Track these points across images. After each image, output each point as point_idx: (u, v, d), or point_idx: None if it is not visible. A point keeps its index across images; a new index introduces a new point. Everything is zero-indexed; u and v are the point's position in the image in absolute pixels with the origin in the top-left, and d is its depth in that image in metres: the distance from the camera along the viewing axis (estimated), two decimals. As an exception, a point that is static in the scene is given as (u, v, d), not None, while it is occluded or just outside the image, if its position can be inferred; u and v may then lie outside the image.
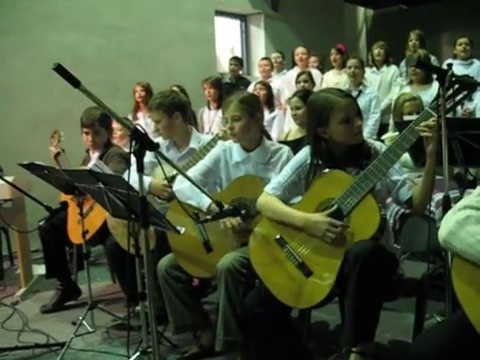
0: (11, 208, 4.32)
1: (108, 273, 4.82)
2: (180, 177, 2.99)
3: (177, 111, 3.43)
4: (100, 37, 6.56)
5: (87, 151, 4.23)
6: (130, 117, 5.86)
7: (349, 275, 2.19)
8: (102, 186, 2.39)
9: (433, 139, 2.27)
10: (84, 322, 3.51)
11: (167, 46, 7.22)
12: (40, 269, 4.79)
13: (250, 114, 2.93)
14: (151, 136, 5.51)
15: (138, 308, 3.15)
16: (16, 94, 5.93)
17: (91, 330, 3.55)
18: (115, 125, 4.99)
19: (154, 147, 1.95)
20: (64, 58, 6.23)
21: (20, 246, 4.52)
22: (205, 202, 2.85)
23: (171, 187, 3.15)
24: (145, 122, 5.65)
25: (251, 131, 2.97)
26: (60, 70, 1.81)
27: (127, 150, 4.37)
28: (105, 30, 6.61)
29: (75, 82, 1.83)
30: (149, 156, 3.36)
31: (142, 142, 1.91)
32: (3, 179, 3.21)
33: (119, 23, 6.76)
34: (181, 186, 2.92)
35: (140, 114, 5.97)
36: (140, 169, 1.96)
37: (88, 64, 6.22)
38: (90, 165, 3.92)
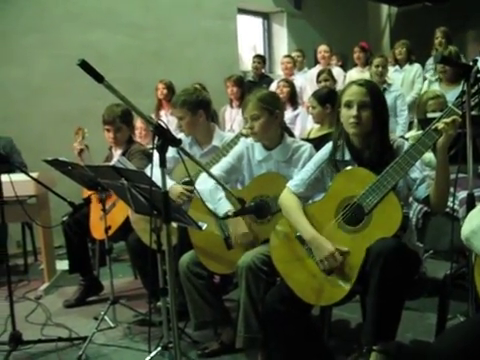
0: (35, 204, 4.38)
1: (130, 269, 4.87)
2: (202, 177, 3.00)
3: (201, 109, 3.43)
4: (122, 35, 6.60)
5: (110, 148, 4.27)
6: (153, 115, 5.89)
7: (371, 273, 2.18)
8: (125, 182, 2.40)
9: (449, 135, 2.23)
10: (106, 317, 3.55)
11: (189, 44, 7.24)
12: (63, 264, 4.84)
13: (269, 112, 2.93)
14: (175, 133, 5.56)
15: (159, 304, 3.18)
16: (39, 92, 6.00)
17: (113, 325, 3.58)
18: (138, 123, 5.04)
19: (177, 143, 1.96)
20: (86, 56, 6.20)
21: (44, 242, 4.57)
22: (221, 209, 2.83)
23: (190, 196, 3.17)
24: (167, 120, 5.66)
25: (271, 129, 2.96)
26: (85, 66, 1.83)
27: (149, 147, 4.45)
28: (127, 28, 6.65)
29: (99, 78, 1.85)
30: (172, 151, 3.37)
31: (165, 138, 1.92)
32: (28, 175, 3.25)
33: (141, 21, 6.79)
34: (201, 188, 2.91)
35: (162, 112, 6.00)
36: (163, 164, 1.97)
37: (110, 62, 6.26)
38: (113, 162, 3.96)
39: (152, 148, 1.93)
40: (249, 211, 2.61)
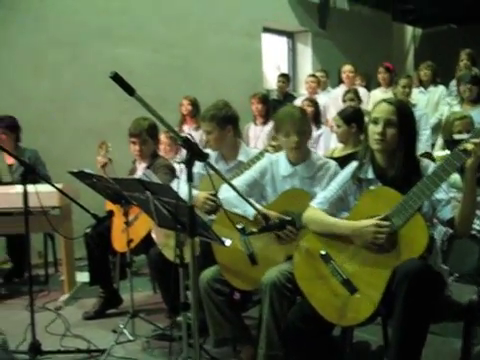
0: (58, 215, 4.43)
1: (149, 283, 4.86)
2: (225, 186, 3.00)
3: (229, 124, 3.45)
4: (150, 51, 6.68)
5: (134, 162, 4.30)
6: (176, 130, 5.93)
7: (396, 294, 2.15)
8: (150, 195, 2.41)
9: (479, 156, 2.20)
10: (125, 330, 3.55)
11: (214, 61, 7.31)
12: (83, 276, 4.87)
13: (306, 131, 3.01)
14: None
15: (179, 319, 3.17)
16: (67, 105, 6.09)
17: (132, 339, 3.57)
18: (162, 138, 5.08)
19: (204, 157, 1.97)
20: (114, 70, 6.42)
21: (65, 253, 4.60)
22: (251, 211, 2.85)
23: (215, 200, 3.18)
24: (190, 135, 5.69)
25: (302, 146, 3.00)
26: (117, 78, 1.85)
27: (173, 162, 4.48)
28: (155, 44, 6.74)
29: (130, 90, 1.86)
30: (197, 167, 3.39)
31: (192, 152, 1.93)
32: (54, 186, 3.28)
33: (168, 38, 6.88)
34: (227, 195, 2.93)
35: (186, 127, 6.04)
36: (190, 179, 1.98)
37: (136, 77, 6.25)
38: (137, 175, 3.99)
39: (180, 162, 1.94)
40: (274, 227, 2.61)
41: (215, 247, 2.96)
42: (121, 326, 3.55)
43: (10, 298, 4.77)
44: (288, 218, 2.79)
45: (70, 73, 6.13)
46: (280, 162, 3.07)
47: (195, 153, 1.94)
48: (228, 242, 2.38)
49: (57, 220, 4.31)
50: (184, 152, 5.38)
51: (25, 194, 3.09)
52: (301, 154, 3.03)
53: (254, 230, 2.58)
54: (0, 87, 5.71)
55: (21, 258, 5.12)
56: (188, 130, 5.93)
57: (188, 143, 1.93)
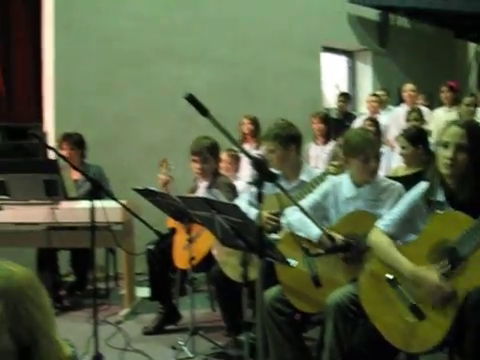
0: (121, 231, 4.51)
1: (207, 300, 4.88)
2: (289, 210, 3.00)
3: (292, 144, 3.45)
4: (211, 71, 6.78)
5: (195, 180, 4.35)
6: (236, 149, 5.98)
7: (468, 323, 2.08)
8: (216, 214, 2.44)
9: None
10: (184, 347, 3.57)
11: (274, 80, 7.34)
12: (142, 291, 4.94)
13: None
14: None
15: (240, 338, 3.17)
16: (130, 123, 6.25)
17: (191, 356, 3.59)
18: (223, 156, 5.13)
19: (274, 178, 1.98)
20: (176, 90, 6.52)
21: (127, 268, 4.68)
22: (315, 234, 2.83)
23: (277, 220, 3.18)
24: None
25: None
26: (191, 99, 1.90)
27: (234, 180, 4.51)
28: (216, 64, 6.84)
29: (204, 111, 1.90)
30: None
31: (262, 172, 1.94)
32: (119, 202, 3.36)
33: (229, 57, 6.96)
34: (291, 218, 2.92)
35: (246, 146, 6.07)
36: (259, 199, 1.99)
37: (198, 96, 6.42)
38: (199, 194, 4.04)
39: (249, 182, 1.95)
40: (340, 249, 2.58)
41: (278, 267, 2.94)
42: (181, 343, 3.58)
43: (72, 310, 4.88)
44: (353, 240, 2.76)
45: (134, 92, 6.29)
46: (343, 184, 3.05)
47: (265, 174, 1.94)
48: (294, 262, 2.38)
49: (120, 235, 4.38)
50: (244, 171, 5.46)
51: (92, 210, 3.18)
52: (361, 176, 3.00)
53: (320, 251, 2.56)
54: (67, 105, 5.92)
55: (84, 272, 5.24)
56: (249, 149, 5.96)
57: (258, 163, 1.94)
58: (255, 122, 6.01)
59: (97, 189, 3.17)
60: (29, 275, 1.65)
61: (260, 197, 2.00)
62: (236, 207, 2.31)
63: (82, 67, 6.03)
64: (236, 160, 5.37)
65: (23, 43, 6.13)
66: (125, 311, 4.64)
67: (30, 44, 6.16)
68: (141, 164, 6.04)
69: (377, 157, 2.96)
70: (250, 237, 2.14)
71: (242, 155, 5.76)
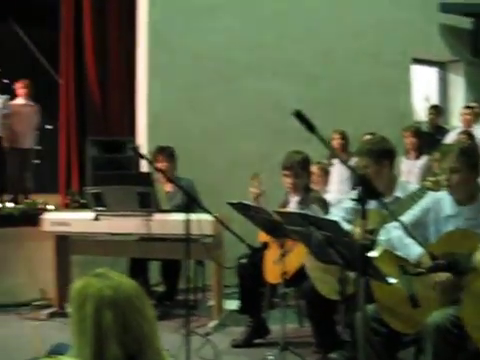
0: (211, 244, 4.57)
1: (295, 316, 4.84)
2: (387, 227, 2.93)
3: (386, 159, 3.38)
4: (299, 85, 6.77)
5: (286, 194, 4.34)
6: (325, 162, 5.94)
7: None
8: (314, 230, 2.42)
9: None
10: (275, 362, 3.55)
11: (362, 93, 7.23)
12: (230, 304, 4.97)
13: (470, 167, 2.81)
14: (346, 182, 5.53)
15: (332, 355, 3.12)
16: (220, 137, 6.37)
17: (281, 371, 3.57)
18: (313, 169, 5.10)
19: (378, 195, 1.94)
20: (264, 105, 6.63)
21: (216, 280, 4.72)
22: (413, 254, 2.74)
23: (371, 238, 3.11)
24: (340, 168, 5.69)
25: (469, 184, 2.84)
26: (299, 116, 1.89)
27: (324, 195, 4.48)
28: (303, 78, 6.83)
29: (311, 127, 1.90)
30: (350, 202, 3.35)
31: (367, 190, 1.90)
32: (214, 216, 3.41)
33: (317, 71, 6.94)
34: (388, 236, 2.85)
35: (335, 160, 6.00)
36: (364, 216, 1.96)
37: (285, 111, 6.41)
38: (290, 208, 4.03)
39: (353, 199, 1.93)
40: (442, 268, 2.48)
41: (375, 285, 2.88)
42: (271, 357, 3.56)
43: (161, 320, 4.98)
44: (454, 260, 2.65)
45: (223, 107, 6.40)
46: (445, 201, 2.93)
47: (370, 191, 1.91)
48: (393, 281, 2.31)
49: (210, 248, 4.44)
50: (333, 184, 5.40)
51: (187, 222, 3.24)
52: (462, 194, 2.87)
53: (420, 270, 2.48)
54: (159, 120, 6.13)
55: (173, 282, 5.35)
56: (338, 163, 5.90)
57: (364, 180, 1.91)
58: (344, 136, 5.95)
59: (192, 202, 3.23)
60: (135, 286, 1.69)
61: (364, 214, 1.96)
62: (337, 224, 2.28)
63: (174, 82, 6.21)
64: (325, 174, 5.33)
65: (118, 60, 6.41)
66: (214, 323, 4.67)
67: (125, 61, 6.43)
68: (229, 178, 6.12)
69: (451, 171, 2.80)
70: (348, 254, 2.10)
71: (331, 169, 5.72)
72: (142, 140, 6.23)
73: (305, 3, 6.94)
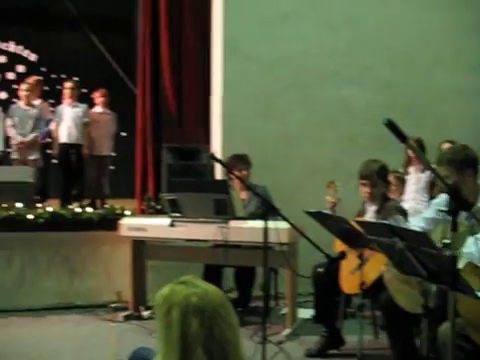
0: (286, 251, 4.55)
1: (369, 326, 4.76)
2: (471, 239, 2.83)
3: (469, 168, 3.27)
4: (373, 91, 6.66)
5: (362, 204, 4.28)
6: (400, 170, 5.82)
7: None
8: (399, 241, 2.37)
9: None
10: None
11: (439, 100, 7.02)
12: (303, 312, 4.95)
13: None
14: (422, 191, 5.38)
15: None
16: (295, 143, 6.36)
17: (357, 382, 3.52)
18: (390, 178, 5.01)
19: (469, 206, 1.88)
20: (337, 111, 6.58)
21: (290, 288, 4.69)
22: None
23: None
24: (416, 177, 5.57)
25: None
26: (390, 125, 1.87)
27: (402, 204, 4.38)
28: (377, 84, 6.71)
29: (402, 137, 1.87)
30: (432, 212, 3.27)
31: (458, 201, 1.85)
32: (291, 224, 3.40)
33: (392, 77, 6.80)
34: (472, 249, 2.74)
35: (412, 169, 5.87)
36: (454, 228, 1.90)
37: (358, 117, 6.41)
38: (367, 218, 3.98)
39: (442, 211, 1.88)
40: None
41: (460, 299, 2.78)
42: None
43: (235, 327, 5.00)
44: None
45: (297, 114, 6.40)
46: None
47: (460, 202, 1.85)
48: (482, 295, 2.23)
49: (286, 256, 4.43)
50: (409, 194, 5.28)
51: (265, 230, 3.26)
52: None
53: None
54: (233, 127, 6.19)
55: (247, 289, 5.38)
56: (415, 172, 5.77)
57: (454, 191, 1.86)
58: (421, 144, 5.80)
59: (270, 210, 3.24)
60: (221, 293, 1.71)
61: (455, 226, 1.91)
62: (425, 236, 2.23)
63: (247, 90, 6.27)
64: (402, 183, 5.22)
65: (194, 68, 6.54)
66: (287, 331, 4.65)
67: (200, 69, 6.56)
68: (302, 185, 6.10)
69: None
70: (436, 266, 2.04)
71: (407, 177, 5.60)
72: (217, 147, 6.32)
73: (379, 8, 6.83)
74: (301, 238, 3.62)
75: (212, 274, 5.07)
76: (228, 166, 4.48)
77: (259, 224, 4.40)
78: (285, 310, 4.96)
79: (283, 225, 3.99)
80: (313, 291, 4.26)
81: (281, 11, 6.44)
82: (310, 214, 3.52)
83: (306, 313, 4.89)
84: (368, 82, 6.69)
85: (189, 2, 6.53)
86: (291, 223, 3.43)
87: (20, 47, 9.40)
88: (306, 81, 6.46)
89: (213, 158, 3.88)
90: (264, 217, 3.24)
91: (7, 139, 6.95)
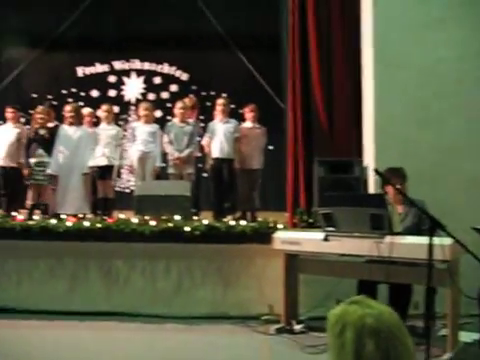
0: (445, 270, 4.29)
1: None
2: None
3: None
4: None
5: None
6: None
7: None
8: None
9: None
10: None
11: None
12: (465, 336, 4.62)
13: None
14: None
15: None
16: (450, 155, 6.01)
17: None
18: None
19: None
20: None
21: (452, 309, 4.40)
22: None
23: None
24: None
25: None
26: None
27: None
28: None
29: None
30: None
31: None
32: (457, 241, 3.20)
33: None
34: None
35: None
36: None
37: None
38: None
39: None
40: None
41: None
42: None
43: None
44: None
45: (452, 123, 6.04)
46: None
47: None
48: None
49: (445, 274, 4.17)
50: None
51: (430, 246, 3.08)
52: None
53: None
54: (387, 139, 6.00)
55: (403, 308, 5.13)
56: None
57: None
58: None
59: (436, 226, 3.06)
60: (395, 314, 1.64)
61: None
62: None
63: (401, 99, 6.05)
64: None
65: (344, 78, 6.47)
66: (447, 356, 4.38)
67: (350, 79, 6.46)
68: (462, 198, 5.74)
69: None
70: None
71: None
72: (369, 160, 6.15)
73: None
74: (462, 255, 3.38)
75: (366, 290, 4.89)
76: (388, 180, 4.33)
77: (418, 239, 4.22)
78: (444, 331, 4.67)
79: (447, 241, 3.76)
80: (479, 313, 3.97)
81: (435, 16, 6.14)
82: (478, 231, 3.28)
83: (468, 336, 4.57)
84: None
85: (337, 14, 6.48)
86: (456, 239, 3.21)
87: (173, 68, 9.91)
88: (462, 87, 6.08)
89: (377, 173, 3.75)
90: (430, 233, 3.06)
91: (164, 155, 7.33)
